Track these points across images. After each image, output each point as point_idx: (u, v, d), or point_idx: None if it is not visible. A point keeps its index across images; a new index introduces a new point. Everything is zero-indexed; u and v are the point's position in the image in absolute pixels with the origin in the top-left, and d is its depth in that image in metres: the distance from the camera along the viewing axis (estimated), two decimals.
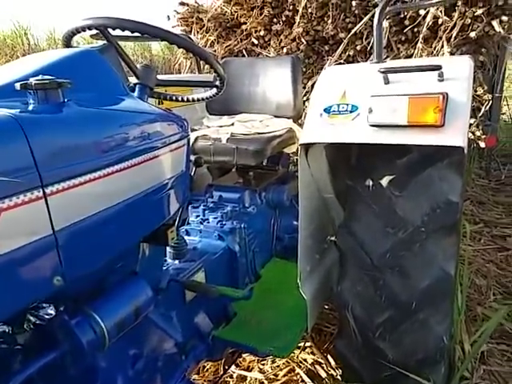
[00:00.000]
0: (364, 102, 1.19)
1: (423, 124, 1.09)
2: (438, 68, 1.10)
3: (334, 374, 1.70)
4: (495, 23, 2.36)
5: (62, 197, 0.68)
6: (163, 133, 0.94)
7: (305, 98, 2.42)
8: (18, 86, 0.71)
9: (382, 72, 1.16)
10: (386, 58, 1.33)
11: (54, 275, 0.68)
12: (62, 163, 0.69)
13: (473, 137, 2.78)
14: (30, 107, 0.71)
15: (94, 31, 1.11)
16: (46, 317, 0.91)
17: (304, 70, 2.73)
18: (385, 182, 1.27)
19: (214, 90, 1.29)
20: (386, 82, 1.19)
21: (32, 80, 0.71)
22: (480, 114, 2.56)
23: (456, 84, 1.12)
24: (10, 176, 0.60)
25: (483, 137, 2.73)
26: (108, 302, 0.86)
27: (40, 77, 0.72)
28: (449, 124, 1.08)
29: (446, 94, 1.09)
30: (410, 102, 1.08)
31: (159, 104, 1.81)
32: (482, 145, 2.74)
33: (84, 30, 1.05)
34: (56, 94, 0.73)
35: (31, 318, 0.92)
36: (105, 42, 1.13)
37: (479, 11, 2.34)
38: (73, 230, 0.70)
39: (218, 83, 1.24)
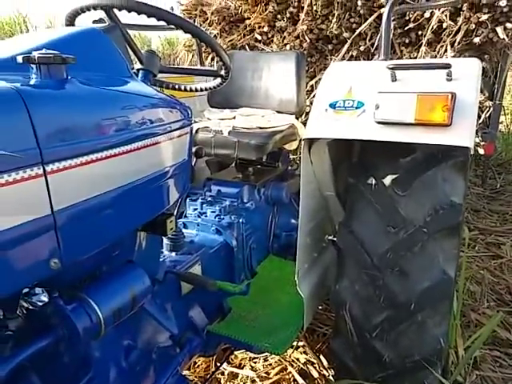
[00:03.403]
0: (370, 98, 1.18)
1: (430, 123, 1.08)
2: (447, 66, 1.08)
3: (326, 374, 1.69)
4: (499, 30, 2.36)
5: (62, 176, 0.65)
6: (167, 119, 0.92)
7: (306, 97, 2.41)
8: (20, 59, 0.68)
9: (391, 68, 1.14)
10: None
11: (51, 257, 0.65)
12: (63, 141, 0.66)
13: None
14: (33, 81, 0.68)
15: (97, 16, 1.08)
16: (39, 303, 0.88)
17: (306, 68, 2.71)
18: (388, 180, 1.25)
19: (218, 80, 1.26)
20: (394, 79, 1.17)
21: (35, 54, 0.68)
22: (480, 121, 2.56)
23: (464, 84, 1.11)
24: (8, 150, 0.57)
25: (482, 143, 2.73)
26: (105, 288, 0.83)
27: (44, 50, 0.69)
28: (456, 123, 1.07)
29: (455, 93, 1.08)
30: (419, 100, 1.07)
31: None
32: (481, 151, 2.74)
33: (89, 10, 1.02)
34: (59, 69, 0.71)
35: (24, 303, 0.89)
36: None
37: (484, 17, 2.34)
38: (72, 212, 0.67)
39: (223, 73, 1.22)
